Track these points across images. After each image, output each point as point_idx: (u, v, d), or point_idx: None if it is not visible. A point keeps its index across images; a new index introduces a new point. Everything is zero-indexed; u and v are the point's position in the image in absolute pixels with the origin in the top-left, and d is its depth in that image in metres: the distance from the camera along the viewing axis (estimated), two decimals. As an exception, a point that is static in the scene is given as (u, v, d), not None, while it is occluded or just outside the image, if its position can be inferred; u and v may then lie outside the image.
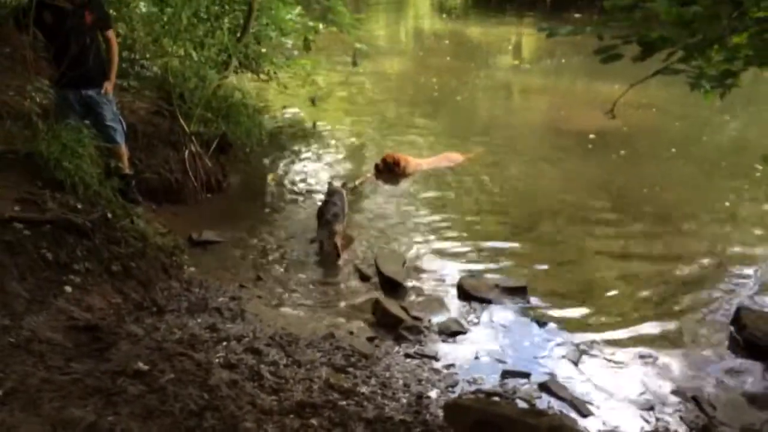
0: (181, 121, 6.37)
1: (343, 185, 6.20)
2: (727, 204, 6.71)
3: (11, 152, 4.62)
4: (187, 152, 6.36)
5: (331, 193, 5.87)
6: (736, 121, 9.40)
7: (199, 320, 4.10)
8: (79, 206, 4.36)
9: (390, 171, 7.35)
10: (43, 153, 4.52)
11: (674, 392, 3.91)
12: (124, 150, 5.53)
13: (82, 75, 5.09)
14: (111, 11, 6.17)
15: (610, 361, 4.22)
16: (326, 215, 5.55)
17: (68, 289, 3.82)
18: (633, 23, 2.36)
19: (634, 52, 2.33)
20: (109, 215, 4.41)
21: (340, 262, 5.41)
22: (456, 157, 7.77)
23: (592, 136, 8.54)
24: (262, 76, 8.56)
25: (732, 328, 4.53)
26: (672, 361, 4.23)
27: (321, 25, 8.89)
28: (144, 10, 7.50)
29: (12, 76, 5.86)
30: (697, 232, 6.14)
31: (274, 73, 8.48)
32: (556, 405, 3.73)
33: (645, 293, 5.04)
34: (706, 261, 5.55)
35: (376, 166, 7.43)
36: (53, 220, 4.09)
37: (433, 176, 7.37)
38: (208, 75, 6.75)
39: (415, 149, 8.16)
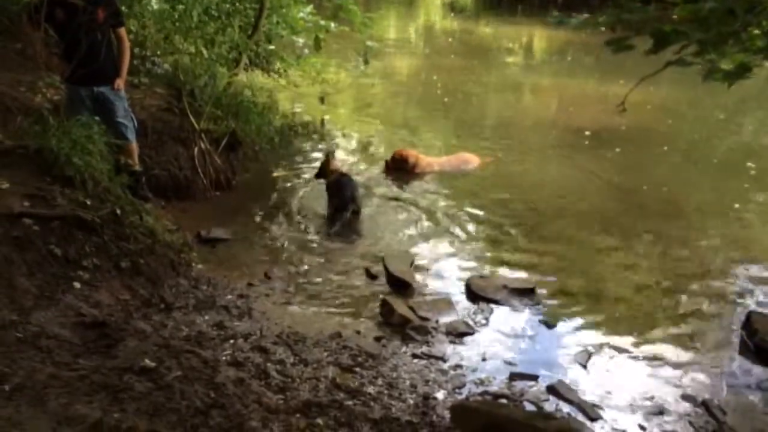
0: (191, 118, 6.37)
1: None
2: (736, 206, 6.66)
3: (21, 147, 4.62)
4: (196, 149, 6.36)
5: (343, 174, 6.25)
6: (733, 119, 9.41)
7: (206, 318, 4.10)
8: (89, 202, 4.35)
9: (400, 168, 7.23)
10: (53, 149, 4.51)
11: (684, 397, 3.87)
12: (134, 147, 5.54)
13: (94, 72, 5.10)
14: (123, 8, 6.18)
15: (619, 364, 4.18)
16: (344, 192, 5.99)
17: (77, 285, 3.82)
18: (647, 18, 2.32)
19: (647, 47, 2.30)
20: (119, 211, 4.40)
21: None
22: (470, 158, 7.60)
23: (587, 132, 8.63)
24: (272, 74, 8.55)
25: (743, 333, 4.48)
26: (682, 365, 4.18)
27: (333, 24, 8.88)
28: (155, 7, 7.51)
29: (23, 71, 5.89)
30: (704, 232, 6.10)
31: (284, 71, 8.46)
32: (564, 408, 3.70)
33: (654, 295, 5.00)
34: (716, 263, 5.51)
35: (386, 163, 7.36)
36: (62, 215, 4.10)
37: (442, 175, 7.34)
38: (219, 72, 6.75)
39: (424, 147, 8.13)
